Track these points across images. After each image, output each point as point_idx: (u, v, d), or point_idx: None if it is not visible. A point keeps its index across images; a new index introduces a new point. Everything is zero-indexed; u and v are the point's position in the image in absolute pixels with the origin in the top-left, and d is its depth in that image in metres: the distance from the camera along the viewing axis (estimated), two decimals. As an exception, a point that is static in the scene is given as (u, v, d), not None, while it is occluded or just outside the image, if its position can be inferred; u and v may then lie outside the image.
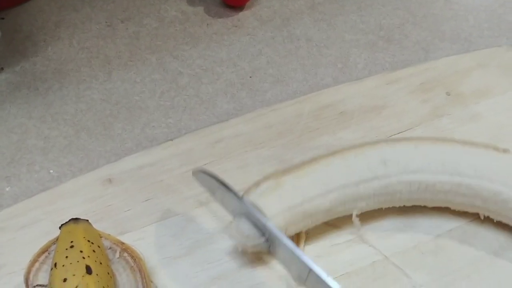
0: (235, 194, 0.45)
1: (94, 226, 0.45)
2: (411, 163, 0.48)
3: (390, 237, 0.49)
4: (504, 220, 0.48)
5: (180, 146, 0.55)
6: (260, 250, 0.46)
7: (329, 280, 0.40)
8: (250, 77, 0.64)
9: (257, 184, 0.47)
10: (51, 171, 0.54)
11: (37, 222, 0.49)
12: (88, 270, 0.40)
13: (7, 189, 0.53)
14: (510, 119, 0.58)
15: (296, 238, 0.49)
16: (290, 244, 0.43)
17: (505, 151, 0.48)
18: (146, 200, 0.51)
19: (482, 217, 0.49)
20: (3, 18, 0.69)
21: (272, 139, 0.56)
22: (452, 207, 0.50)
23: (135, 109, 0.60)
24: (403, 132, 0.57)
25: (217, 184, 0.45)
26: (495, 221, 0.49)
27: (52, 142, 0.57)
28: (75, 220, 0.44)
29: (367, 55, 0.67)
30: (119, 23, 0.69)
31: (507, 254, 0.48)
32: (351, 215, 0.49)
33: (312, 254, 0.47)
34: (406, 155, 0.49)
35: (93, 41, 0.67)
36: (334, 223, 0.50)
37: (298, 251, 0.42)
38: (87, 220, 0.45)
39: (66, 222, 0.44)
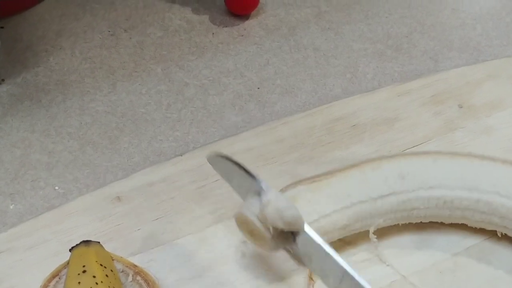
0: (254, 177, 0.42)
1: (104, 246, 0.44)
2: (429, 178, 0.47)
3: (407, 255, 0.48)
4: (523, 237, 0.47)
5: (190, 162, 0.53)
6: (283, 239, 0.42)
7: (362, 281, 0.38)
8: (258, 88, 0.63)
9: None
10: (57, 187, 0.53)
11: (45, 242, 0.47)
12: (103, 297, 0.39)
13: (11, 206, 0.51)
14: (523, 132, 0.57)
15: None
16: (318, 238, 0.40)
17: None
18: (156, 219, 0.49)
19: (499, 235, 0.48)
20: (2, 27, 0.67)
21: (284, 154, 0.54)
22: (469, 224, 0.49)
23: (141, 121, 0.58)
24: (417, 145, 0.56)
25: (234, 168, 0.42)
26: (512, 238, 0.48)
27: (57, 157, 0.55)
28: (86, 242, 0.43)
29: (375, 65, 0.66)
30: (122, 32, 0.68)
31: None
32: (366, 232, 0.48)
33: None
34: (425, 169, 0.48)
35: (96, 51, 0.65)
36: (350, 240, 0.49)
37: (327, 246, 0.40)
38: (99, 242, 0.43)
39: (77, 245, 0.43)
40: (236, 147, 0.54)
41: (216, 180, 0.52)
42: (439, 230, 0.49)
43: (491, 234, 0.49)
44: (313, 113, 0.58)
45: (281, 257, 0.47)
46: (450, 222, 0.49)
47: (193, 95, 0.61)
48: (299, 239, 0.41)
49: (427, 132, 0.57)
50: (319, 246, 0.40)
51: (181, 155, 0.54)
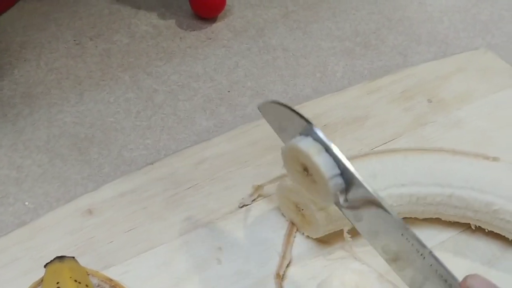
0: (308, 121, 0.42)
1: (78, 260, 0.43)
2: (401, 176, 0.47)
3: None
4: (496, 230, 0.48)
5: (161, 170, 0.53)
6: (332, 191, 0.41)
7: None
8: (229, 91, 0.62)
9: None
10: (27, 202, 0.52)
11: (17, 260, 0.46)
12: (76, 314, 0.38)
13: (-20, 225, 0.50)
14: (492, 124, 0.58)
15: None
16: (366, 185, 0.39)
17: (495, 159, 0.48)
18: (129, 230, 0.48)
19: (473, 227, 0.48)
20: (-36, 41, 0.66)
21: (257, 157, 0.54)
22: (443, 218, 0.49)
23: (111, 131, 0.58)
24: (387, 142, 0.56)
25: (287, 113, 0.43)
26: (486, 231, 0.48)
27: (26, 171, 0.54)
28: (60, 258, 0.42)
29: (345, 63, 0.66)
30: (88, 41, 0.67)
31: (500, 264, 0.47)
32: (341, 231, 0.48)
33: (307, 275, 0.46)
34: (396, 167, 0.48)
35: (62, 61, 0.64)
36: (325, 239, 0.48)
37: (374, 192, 0.39)
38: (73, 257, 0.43)
39: (51, 261, 0.42)
40: (208, 153, 0.54)
41: (189, 188, 0.51)
42: (413, 225, 0.49)
43: (465, 227, 0.49)
44: (284, 114, 0.58)
45: (257, 261, 0.46)
46: (424, 217, 0.49)
47: (163, 102, 0.61)
48: (352, 191, 0.41)
49: (397, 129, 0.57)
50: (373, 197, 0.39)
51: (152, 164, 0.53)
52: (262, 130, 0.56)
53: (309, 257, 0.47)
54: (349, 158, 0.45)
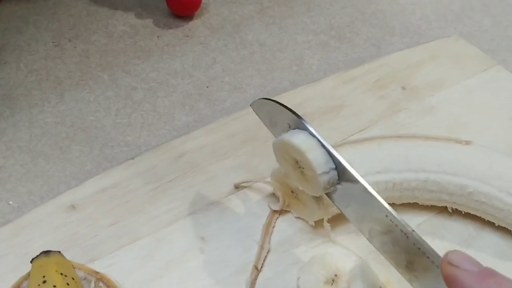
0: (298, 116, 0.44)
1: (62, 255, 0.44)
2: (376, 164, 0.48)
3: (363, 238, 0.49)
4: (472, 212, 0.49)
5: (142, 164, 0.53)
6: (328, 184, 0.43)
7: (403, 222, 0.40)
8: (207, 86, 0.63)
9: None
10: (11, 202, 0.52)
11: (3, 257, 0.47)
12: (63, 305, 0.39)
13: (-35, 225, 0.51)
14: (464, 109, 0.59)
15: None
16: (360, 178, 0.42)
17: (467, 143, 0.49)
18: (112, 224, 0.49)
19: (450, 210, 0.50)
20: None
21: (236, 148, 0.55)
22: (420, 203, 0.50)
23: (92, 129, 0.58)
24: (363, 130, 0.57)
25: (278, 109, 0.45)
26: (463, 212, 0.49)
27: (9, 171, 0.54)
28: (46, 253, 0.43)
29: (320, 56, 0.67)
30: (67, 42, 0.67)
31: (477, 243, 0.49)
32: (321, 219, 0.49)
33: (288, 261, 0.47)
34: (370, 155, 0.49)
35: (42, 63, 0.65)
36: (306, 227, 0.50)
37: (372, 190, 0.41)
38: (59, 252, 0.43)
39: (37, 256, 0.42)
40: (188, 146, 0.55)
41: (170, 181, 0.52)
42: (390, 209, 0.51)
43: (442, 209, 0.50)
44: (262, 106, 0.59)
45: (239, 249, 0.48)
46: (401, 202, 0.50)
47: (142, 99, 0.61)
48: (344, 182, 0.43)
49: (372, 116, 0.58)
50: (364, 188, 0.41)
51: (133, 159, 0.54)
52: (241, 122, 0.57)
53: (290, 243, 0.49)
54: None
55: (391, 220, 0.41)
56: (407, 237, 0.40)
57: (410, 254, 0.40)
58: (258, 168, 0.53)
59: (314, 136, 0.44)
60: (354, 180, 0.42)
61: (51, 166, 0.55)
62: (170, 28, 0.70)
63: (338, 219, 0.49)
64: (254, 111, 0.49)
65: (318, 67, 0.66)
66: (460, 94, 0.61)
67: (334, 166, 0.43)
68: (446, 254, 0.36)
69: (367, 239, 0.44)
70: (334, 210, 0.48)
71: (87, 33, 0.68)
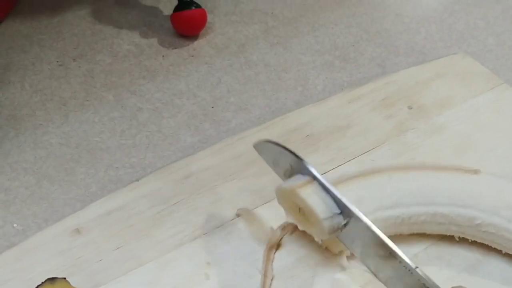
0: (300, 159, 0.44)
1: (66, 281, 0.43)
2: (385, 199, 0.48)
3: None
4: (479, 240, 0.48)
5: (147, 186, 0.53)
6: (333, 229, 0.43)
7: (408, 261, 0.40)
8: (212, 107, 0.63)
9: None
10: (15, 224, 0.52)
11: (6, 282, 0.46)
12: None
13: (-31, 248, 0.50)
14: (473, 128, 0.59)
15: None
16: (368, 221, 0.42)
17: (475, 172, 0.48)
18: (117, 248, 0.49)
19: (457, 239, 0.49)
20: None
21: (242, 170, 0.55)
22: (427, 233, 0.49)
23: (96, 151, 0.58)
24: (370, 150, 0.57)
25: (280, 151, 0.45)
26: (470, 241, 0.49)
27: (14, 193, 0.54)
28: (52, 280, 0.42)
29: (325, 76, 0.67)
30: (71, 62, 0.67)
31: (483, 269, 0.48)
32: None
33: (297, 286, 0.47)
34: (380, 190, 0.48)
35: (46, 83, 0.65)
36: (310, 253, 0.49)
37: (377, 230, 0.41)
38: (65, 278, 0.43)
39: (42, 283, 0.42)
40: (193, 167, 0.55)
41: (175, 203, 0.52)
42: (397, 237, 0.50)
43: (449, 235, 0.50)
44: (268, 126, 0.59)
45: (245, 274, 0.47)
46: (409, 233, 0.49)
47: (147, 120, 0.61)
48: (351, 223, 0.43)
49: (379, 136, 0.58)
50: (367, 226, 0.42)
51: (138, 181, 0.53)
52: (246, 143, 0.57)
53: (295, 268, 0.48)
54: (335, 183, 0.47)
55: (395, 257, 0.41)
56: (411, 273, 0.40)
57: None
58: (264, 190, 0.53)
59: (316, 179, 0.43)
60: (359, 221, 0.42)
61: (56, 188, 0.55)
62: (175, 48, 0.70)
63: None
64: (257, 151, 0.49)
65: (323, 87, 0.66)
66: (468, 113, 0.60)
67: (338, 211, 0.43)
68: None
69: (373, 273, 0.43)
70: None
71: (91, 53, 0.68)
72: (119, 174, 0.56)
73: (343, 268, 0.48)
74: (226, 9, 0.75)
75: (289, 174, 0.46)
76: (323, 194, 0.43)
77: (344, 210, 0.43)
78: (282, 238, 0.49)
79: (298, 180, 0.44)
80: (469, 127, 0.59)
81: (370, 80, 0.66)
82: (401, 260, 0.41)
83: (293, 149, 0.45)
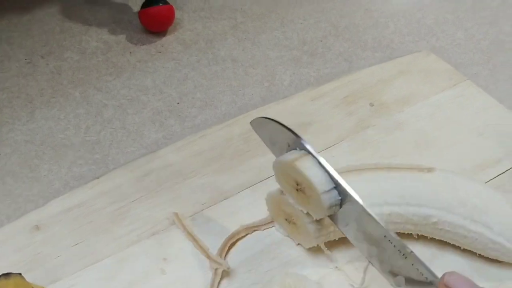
0: (297, 135, 0.44)
1: (25, 277, 0.44)
2: None
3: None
4: (437, 237, 0.49)
5: (107, 184, 0.54)
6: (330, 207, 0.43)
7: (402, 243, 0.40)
8: (178, 103, 0.63)
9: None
10: (-23, 221, 0.53)
11: (-37, 279, 0.47)
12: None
13: None
14: (433, 125, 0.60)
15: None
16: (362, 203, 0.42)
17: (429, 170, 0.49)
18: (76, 244, 0.49)
19: (416, 236, 0.50)
20: None
21: (203, 166, 0.55)
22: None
23: (61, 147, 0.59)
24: (331, 147, 0.57)
25: (277, 128, 0.45)
26: (428, 237, 0.49)
27: (-24, 190, 0.55)
28: (6, 275, 0.43)
29: (292, 71, 0.68)
30: (39, 59, 0.68)
31: (439, 262, 0.49)
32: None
33: (249, 281, 0.47)
34: None
35: (14, 80, 0.65)
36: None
37: (372, 213, 0.41)
38: (20, 274, 0.43)
39: (-3, 279, 0.43)
40: (154, 164, 0.55)
41: (134, 200, 0.52)
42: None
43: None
44: (230, 123, 0.59)
45: (201, 268, 0.48)
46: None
47: (112, 116, 0.62)
48: (346, 202, 0.43)
49: (340, 133, 0.58)
50: (363, 210, 0.42)
51: (98, 178, 0.54)
52: (208, 140, 0.58)
53: (252, 263, 0.49)
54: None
55: (389, 240, 0.41)
56: (405, 257, 0.41)
57: (407, 274, 0.41)
58: (223, 187, 0.53)
59: (312, 155, 0.43)
60: (353, 201, 0.42)
61: (19, 185, 0.55)
62: (143, 44, 0.70)
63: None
64: (253, 129, 0.48)
65: (289, 82, 0.66)
66: (429, 109, 0.61)
67: (334, 185, 0.43)
68: (443, 276, 0.37)
69: (366, 257, 0.44)
70: (330, 236, 0.48)
71: (60, 50, 0.69)
72: (82, 170, 0.57)
73: (302, 264, 0.49)
74: (196, 5, 0.76)
75: (285, 152, 0.46)
76: (320, 168, 0.43)
77: (339, 188, 0.43)
78: (242, 236, 0.50)
79: (295, 153, 0.44)
80: (430, 124, 0.60)
81: (337, 76, 0.66)
82: (395, 244, 0.41)
83: (291, 127, 0.45)
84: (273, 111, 0.61)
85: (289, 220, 0.49)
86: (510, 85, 0.67)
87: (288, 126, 0.45)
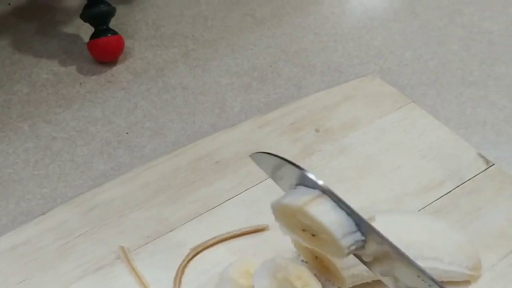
0: (300, 168, 0.39)
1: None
2: None
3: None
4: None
5: (53, 219, 0.54)
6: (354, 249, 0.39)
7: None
8: (127, 133, 0.64)
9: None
10: None
11: None
12: None
13: None
14: (377, 148, 0.61)
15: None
16: (386, 238, 0.37)
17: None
18: (21, 282, 0.49)
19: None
20: None
21: (149, 199, 0.56)
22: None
23: (9, 182, 0.59)
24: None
25: (278, 162, 0.41)
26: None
27: None
28: None
29: (242, 98, 0.69)
30: (-12, 93, 0.68)
31: None
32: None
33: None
34: None
35: (-38, 115, 0.65)
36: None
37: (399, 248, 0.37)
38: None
39: None
40: (99, 198, 0.56)
41: (79, 235, 0.53)
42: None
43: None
44: (178, 153, 0.60)
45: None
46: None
47: (61, 149, 0.62)
48: (369, 236, 0.38)
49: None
50: (389, 243, 0.38)
51: (44, 214, 0.54)
52: (155, 171, 0.58)
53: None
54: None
55: (423, 280, 0.38)
56: None
57: None
58: (169, 219, 0.54)
59: (326, 192, 0.38)
60: (379, 239, 0.38)
61: (-34, 222, 0.55)
62: (93, 75, 0.70)
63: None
64: (256, 164, 0.45)
65: (239, 109, 0.67)
66: (373, 133, 0.62)
67: (355, 229, 0.38)
68: None
69: None
70: (365, 277, 0.46)
71: (9, 83, 0.69)
72: (30, 205, 0.57)
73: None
74: (147, 33, 0.76)
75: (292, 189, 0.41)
76: (335, 209, 0.38)
77: (360, 226, 0.38)
78: (191, 259, 0.51)
79: (303, 195, 0.38)
80: (374, 148, 0.61)
81: (286, 101, 0.67)
82: (424, 279, 0.38)
83: (292, 160, 0.40)
84: (221, 140, 0.61)
85: (317, 261, 0.45)
86: (457, 105, 0.68)
87: (289, 160, 0.40)
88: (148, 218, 0.54)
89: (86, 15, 0.69)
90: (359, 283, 0.47)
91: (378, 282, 0.44)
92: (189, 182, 0.58)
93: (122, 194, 0.56)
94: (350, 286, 0.46)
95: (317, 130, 0.62)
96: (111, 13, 0.70)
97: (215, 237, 0.52)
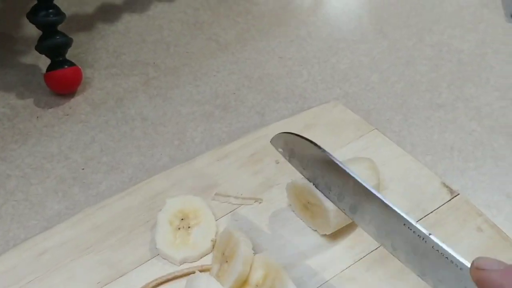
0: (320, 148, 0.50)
1: None
2: None
3: None
4: None
5: (2, 265, 0.52)
6: None
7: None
8: (83, 169, 0.62)
9: None
10: None
11: None
12: None
13: None
14: (339, 179, 0.60)
15: None
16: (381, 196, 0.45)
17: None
18: (-34, 334, 0.48)
19: None
20: None
21: (100, 241, 0.54)
22: None
23: (-40, 225, 0.57)
24: (235, 210, 0.57)
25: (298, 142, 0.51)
26: None
27: None
28: None
29: (203, 128, 0.67)
30: None
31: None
32: None
33: None
34: None
35: None
36: None
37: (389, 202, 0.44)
38: None
39: None
40: (50, 242, 0.54)
41: (29, 282, 0.51)
42: None
43: None
44: (131, 191, 0.58)
45: None
46: None
47: (15, 187, 0.60)
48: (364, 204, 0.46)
49: (244, 194, 0.58)
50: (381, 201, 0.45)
51: (-9, 260, 0.53)
52: (107, 212, 0.56)
53: None
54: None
55: (409, 228, 0.43)
56: (425, 241, 0.42)
57: (431, 260, 0.43)
58: (121, 263, 0.52)
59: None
60: (372, 201, 0.45)
61: None
62: (51, 107, 0.69)
63: None
64: (274, 147, 0.54)
65: (200, 140, 0.66)
66: (335, 163, 0.61)
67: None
68: (473, 262, 0.38)
69: (391, 253, 0.45)
70: (349, 220, 0.51)
71: (-36, 118, 0.68)
72: (-20, 249, 0.55)
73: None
74: (107, 61, 0.75)
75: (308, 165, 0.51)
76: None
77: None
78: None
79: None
80: (334, 178, 0.60)
81: (248, 129, 0.66)
82: (414, 230, 0.43)
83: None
84: (176, 175, 0.60)
85: (306, 209, 0.54)
86: (424, 130, 0.67)
87: (310, 139, 0.51)
88: (100, 262, 0.53)
89: (42, 47, 0.67)
90: (343, 225, 0.53)
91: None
92: (141, 222, 0.56)
93: (73, 237, 0.54)
94: (334, 230, 0.53)
95: (277, 162, 0.61)
96: (67, 44, 0.68)
97: (156, 279, 0.50)
